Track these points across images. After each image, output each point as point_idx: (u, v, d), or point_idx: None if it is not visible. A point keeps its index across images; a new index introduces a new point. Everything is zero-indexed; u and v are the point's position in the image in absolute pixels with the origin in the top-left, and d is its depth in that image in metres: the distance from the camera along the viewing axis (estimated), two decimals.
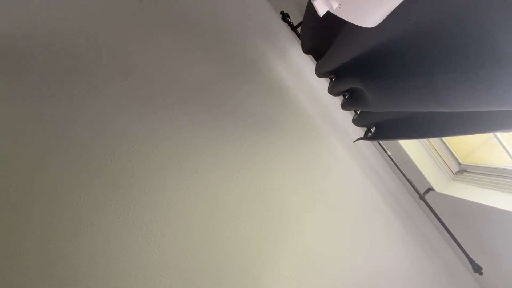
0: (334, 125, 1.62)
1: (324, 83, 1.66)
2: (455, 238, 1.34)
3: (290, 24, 1.57)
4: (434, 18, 0.61)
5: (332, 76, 1.34)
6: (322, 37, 1.19)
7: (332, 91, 1.37)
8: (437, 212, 1.39)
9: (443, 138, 1.50)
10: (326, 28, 1.09)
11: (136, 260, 1.21)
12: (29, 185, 1.18)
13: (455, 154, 1.51)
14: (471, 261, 1.32)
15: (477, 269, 1.30)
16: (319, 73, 1.39)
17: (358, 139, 1.44)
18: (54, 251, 1.15)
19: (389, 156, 1.46)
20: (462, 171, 1.50)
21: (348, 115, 1.65)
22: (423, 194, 1.44)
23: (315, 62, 1.44)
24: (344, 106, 1.35)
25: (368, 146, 1.65)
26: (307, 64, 1.67)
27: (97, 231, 1.20)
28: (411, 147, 1.50)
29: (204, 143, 1.39)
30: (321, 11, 0.60)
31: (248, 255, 1.32)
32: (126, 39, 1.39)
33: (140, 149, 1.31)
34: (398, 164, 1.45)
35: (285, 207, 1.43)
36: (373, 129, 1.35)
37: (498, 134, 1.21)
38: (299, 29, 1.53)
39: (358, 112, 1.41)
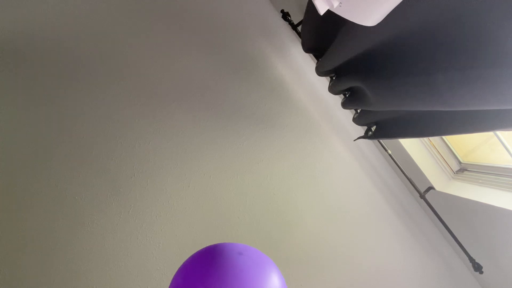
0: (334, 124, 1.62)
1: (324, 82, 1.65)
2: (456, 237, 1.34)
3: (290, 23, 1.57)
4: (435, 16, 0.61)
5: (333, 75, 1.34)
6: (322, 35, 1.18)
7: (332, 90, 1.37)
8: (437, 210, 1.39)
9: (444, 137, 1.50)
10: (327, 27, 1.09)
11: (137, 258, 1.22)
12: (30, 184, 1.18)
13: (456, 153, 1.51)
14: (471, 259, 1.32)
15: (477, 267, 1.30)
16: (320, 71, 1.39)
17: (359, 138, 1.44)
18: (55, 250, 1.16)
19: (390, 155, 1.46)
20: (463, 170, 1.50)
21: (349, 114, 1.65)
22: (423, 193, 1.44)
23: (316, 61, 1.44)
24: (345, 105, 1.35)
25: (369, 145, 1.65)
26: (308, 63, 1.67)
27: (98, 230, 1.20)
28: (411, 146, 1.49)
29: (204, 142, 1.39)
30: (322, 9, 0.60)
31: None
32: (126, 39, 1.39)
33: (140, 148, 1.31)
34: (398, 163, 1.45)
35: (285, 206, 1.43)
36: (373, 128, 1.34)
37: (498, 133, 1.21)
38: (299, 28, 1.53)
39: (358, 111, 1.41)
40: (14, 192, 1.16)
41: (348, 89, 1.28)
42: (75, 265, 1.16)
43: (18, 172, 1.18)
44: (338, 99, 1.58)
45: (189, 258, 0.45)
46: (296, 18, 1.55)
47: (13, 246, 1.13)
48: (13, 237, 1.13)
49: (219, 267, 0.39)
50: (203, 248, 0.45)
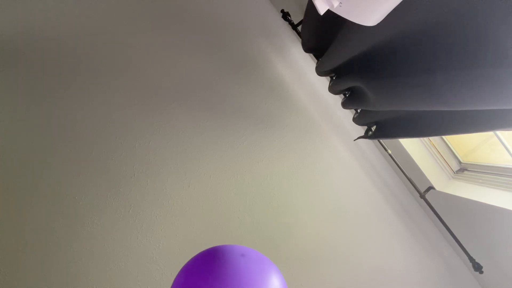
0: (334, 124, 1.62)
1: (324, 81, 1.65)
2: (456, 237, 1.34)
3: (290, 23, 1.57)
4: (435, 16, 0.61)
5: (333, 74, 1.34)
6: (322, 35, 1.18)
7: (332, 89, 1.37)
8: (437, 210, 1.39)
9: (444, 137, 1.50)
10: (327, 27, 1.09)
11: (137, 258, 1.22)
12: (30, 184, 1.18)
13: (456, 153, 1.51)
14: (471, 259, 1.32)
15: (478, 267, 1.30)
16: (320, 71, 1.39)
17: (359, 137, 1.44)
18: (55, 250, 1.16)
19: (390, 154, 1.46)
20: (463, 169, 1.50)
21: (349, 113, 1.65)
22: (423, 192, 1.44)
23: (316, 61, 1.44)
24: (345, 104, 1.35)
25: (369, 144, 1.65)
26: (308, 62, 1.67)
27: (98, 230, 1.20)
28: (411, 146, 1.49)
29: (204, 142, 1.39)
30: (322, 9, 0.60)
31: None
32: (126, 39, 1.39)
33: (140, 148, 1.31)
34: (398, 163, 1.45)
35: (285, 206, 1.43)
36: (373, 128, 1.35)
37: (498, 132, 1.21)
38: (299, 28, 1.53)
39: (358, 111, 1.41)
40: (14, 192, 1.16)
41: (348, 89, 1.28)
42: (75, 265, 1.16)
43: (18, 172, 1.18)
44: (338, 99, 1.58)
45: (191, 259, 0.45)
46: (296, 18, 1.55)
47: (13, 246, 1.13)
48: (13, 237, 1.13)
49: (221, 268, 0.39)
50: (205, 250, 0.46)
